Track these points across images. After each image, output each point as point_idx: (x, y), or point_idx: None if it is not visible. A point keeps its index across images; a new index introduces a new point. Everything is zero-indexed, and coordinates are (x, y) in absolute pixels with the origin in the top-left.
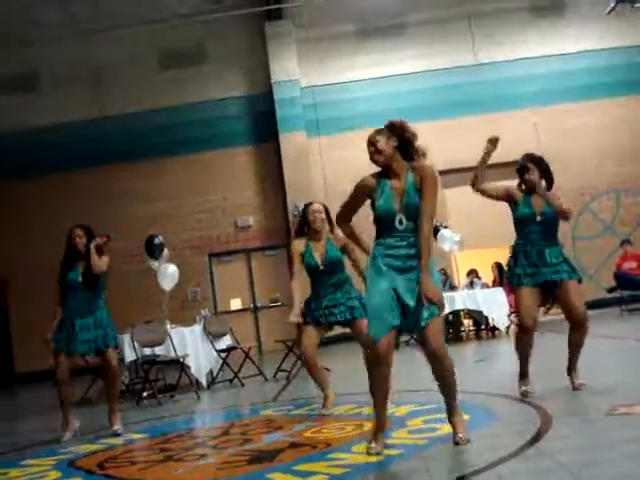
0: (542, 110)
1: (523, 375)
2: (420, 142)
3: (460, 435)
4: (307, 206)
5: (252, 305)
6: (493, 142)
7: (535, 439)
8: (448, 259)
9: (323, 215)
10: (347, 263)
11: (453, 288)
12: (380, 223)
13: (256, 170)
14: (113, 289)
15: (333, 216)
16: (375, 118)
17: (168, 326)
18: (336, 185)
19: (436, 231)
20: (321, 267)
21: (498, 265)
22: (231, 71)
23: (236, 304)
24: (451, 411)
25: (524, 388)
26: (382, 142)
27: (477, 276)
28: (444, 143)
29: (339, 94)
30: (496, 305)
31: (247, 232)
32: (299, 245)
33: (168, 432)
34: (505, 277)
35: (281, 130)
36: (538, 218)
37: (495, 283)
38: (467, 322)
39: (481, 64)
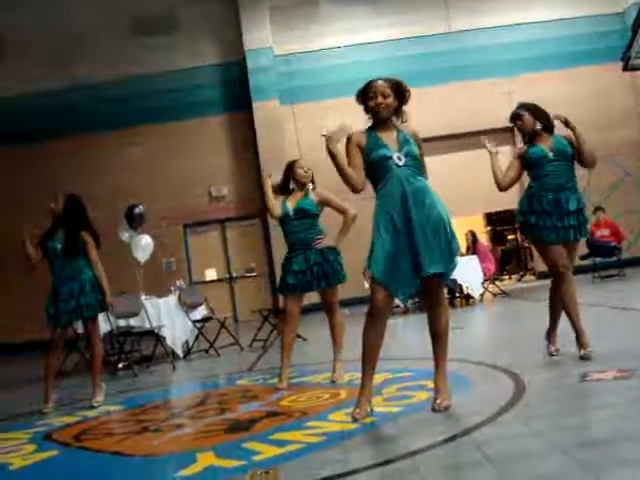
0: (516, 79)
1: (552, 333)
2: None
3: (438, 401)
4: (294, 162)
5: (227, 275)
6: (494, 154)
7: (509, 405)
8: None
9: (311, 172)
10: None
11: None
12: (376, 171)
13: (230, 139)
14: None
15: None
16: (349, 86)
17: (143, 297)
18: (311, 153)
19: None
20: (291, 214)
21: (472, 233)
22: (204, 39)
23: (211, 274)
24: (438, 374)
25: (553, 348)
26: (391, 97)
27: None
28: (417, 111)
29: (313, 62)
30: (470, 273)
31: (221, 202)
32: (276, 205)
33: (144, 403)
34: (519, 228)
35: (254, 98)
36: (550, 155)
37: (469, 251)
38: None
39: (455, 32)
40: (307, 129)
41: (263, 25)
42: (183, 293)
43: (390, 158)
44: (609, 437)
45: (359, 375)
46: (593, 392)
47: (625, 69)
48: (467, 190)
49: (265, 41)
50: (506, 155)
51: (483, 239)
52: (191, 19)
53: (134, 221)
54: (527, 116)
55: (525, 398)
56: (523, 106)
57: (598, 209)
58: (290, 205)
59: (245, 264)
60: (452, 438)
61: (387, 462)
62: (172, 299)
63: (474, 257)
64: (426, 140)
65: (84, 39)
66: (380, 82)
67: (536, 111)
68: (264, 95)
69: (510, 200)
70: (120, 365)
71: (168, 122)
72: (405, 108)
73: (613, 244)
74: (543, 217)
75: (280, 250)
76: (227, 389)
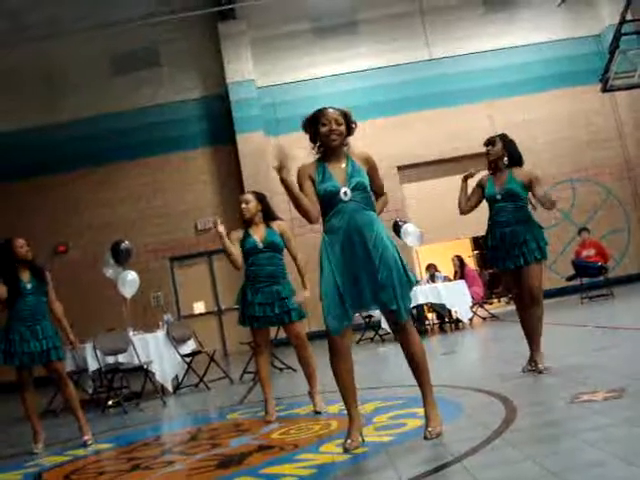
0: (497, 103)
1: (534, 348)
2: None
3: (430, 429)
4: (239, 196)
5: (216, 308)
6: (465, 179)
7: (500, 430)
8: (409, 254)
9: (252, 204)
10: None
11: (416, 283)
12: (323, 205)
13: (215, 172)
14: (74, 297)
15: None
16: None
17: (131, 333)
18: (296, 184)
19: (397, 227)
20: (260, 245)
21: (459, 258)
22: (186, 74)
23: (199, 307)
24: (426, 402)
25: (540, 366)
26: (343, 125)
27: (436, 270)
28: (401, 139)
29: (296, 93)
30: (458, 298)
31: (208, 234)
32: (237, 233)
33: (135, 440)
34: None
35: (238, 131)
36: (498, 197)
37: (456, 276)
38: (430, 316)
39: (435, 59)
40: (292, 159)
41: (245, 57)
42: (171, 327)
43: (337, 193)
44: (602, 459)
45: None
46: (584, 414)
47: (604, 90)
48: (454, 214)
49: (247, 73)
50: None
51: (471, 263)
52: (172, 54)
53: (121, 257)
54: (499, 147)
55: (516, 422)
56: (502, 137)
57: (583, 230)
58: (257, 237)
59: (233, 296)
60: (444, 466)
61: None
62: (160, 334)
63: (462, 282)
64: (409, 167)
65: (66, 76)
66: (332, 110)
67: (510, 146)
68: (248, 127)
69: None
70: (109, 402)
71: (152, 156)
72: (350, 139)
73: (599, 264)
74: (496, 249)
75: None
76: (218, 423)
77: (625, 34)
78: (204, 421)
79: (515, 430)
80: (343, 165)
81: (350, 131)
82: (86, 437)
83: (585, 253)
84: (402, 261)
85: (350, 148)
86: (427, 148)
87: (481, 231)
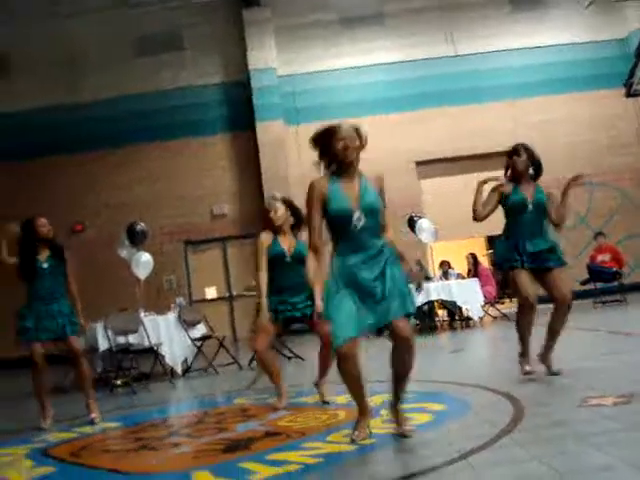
0: (519, 102)
1: (524, 354)
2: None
3: (408, 427)
4: (266, 208)
5: (227, 294)
6: (484, 183)
7: (508, 429)
8: (424, 250)
9: (280, 211)
10: None
11: (428, 279)
12: (335, 227)
13: (233, 158)
14: (88, 277)
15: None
16: (353, 107)
17: (142, 314)
18: (313, 174)
19: (412, 222)
20: (288, 258)
21: (473, 256)
22: (208, 58)
23: (211, 293)
24: (399, 404)
25: (527, 368)
26: (357, 141)
27: (449, 267)
28: (421, 134)
29: (317, 83)
30: (470, 296)
31: (223, 220)
32: (266, 238)
33: (142, 421)
34: (494, 263)
35: (258, 118)
36: (530, 207)
37: (470, 274)
38: (441, 312)
39: (460, 56)
40: (310, 150)
41: (268, 45)
42: (183, 310)
43: (350, 217)
44: (610, 463)
45: None
46: (593, 417)
47: (628, 95)
48: (469, 212)
49: (270, 61)
50: None
51: (485, 262)
52: (196, 38)
53: (136, 238)
54: (524, 158)
55: (524, 422)
56: (524, 147)
57: (599, 234)
58: (285, 246)
59: (245, 283)
60: (450, 462)
61: None
62: (172, 316)
63: (475, 280)
64: (428, 162)
65: (88, 56)
66: (347, 126)
67: (533, 156)
68: (268, 115)
69: None
70: (118, 382)
71: (171, 140)
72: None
73: (614, 269)
74: (517, 260)
75: None
76: (225, 408)
77: None
78: (211, 405)
79: (522, 430)
80: (356, 183)
81: (362, 148)
82: (93, 415)
83: (600, 258)
84: (407, 286)
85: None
86: (446, 144)
87: (496, 230)
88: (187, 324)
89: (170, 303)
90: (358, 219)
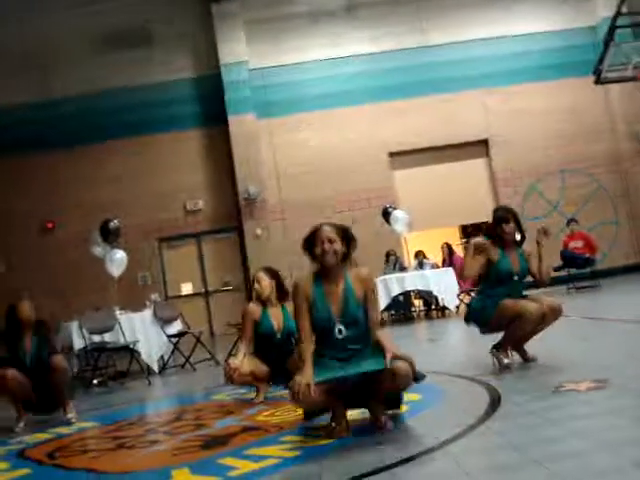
0: (492, 91)
1: (503, 348)
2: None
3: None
4: (254, 277)
5: (203, 289)
6: (477, 251)
7: (485, 417)
8: (398, 240)
9: (265, 282)
10: None
11: (403, 269)
12: (318, 331)
13: (205, 153)
14: (62, 276)
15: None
16: (325, 100)
17: (117, 312)
18: (286, 167)
19: (387, 213)
20: (278, 336)
21: (448, 245)
22: (179, 53)
23: (187, 288)
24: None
25: (506, 361)
26: (339, 243)
27: (425, 257)
28: (394, 125)
29: (289, 76)
30: (446, 285)
31: (197, 215)
32: (255, 310)
33: (119, 419)
34: (473, 318)
35: (230, 112)
36: (515, 277)
37: (445, 263)
38: (417, 302)
39: (431, 46)
40: (283, 143)
41: (238, 39)
42: (158, 307)
43: (332, 328)
44: (585, 448)
45: None
46: (568, 403)
47: (597, 82)
48: (443, 202)
49: (240, 55)
50: (480, 166)
51: (459, 251)
52: (166, 33)
53: (109, 235)
54: (512, 225)
55: (500, 410)
56: (508, 212)
57: (571, 220)
58: (274, 321)
59: (221, 278)
60: (428, 451)
61: (363, 476)
62: (147, 313)
63: (450, 269)
64: (401, 153)
65: (58, 53)
66: (326, 228)
67: (517, 220)
68: (239, 109)
69: (486, 212)
70: (95, 381)
71: (143, 136)
72: (353, 255)
73: (587, 256)
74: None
75: (256, 264)
76: (203, 404)
77: (620, 27)
78: (189, 401)
79: (499, 417)
80: (339, 288)
81: (350, 246)
82: (70, 415)
83: (573, 244)
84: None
85: (353, 262)
86: (420, 135)
87: (470, 219)
88: (163, 321)
89: (145, 300)
90: (339, 331)
